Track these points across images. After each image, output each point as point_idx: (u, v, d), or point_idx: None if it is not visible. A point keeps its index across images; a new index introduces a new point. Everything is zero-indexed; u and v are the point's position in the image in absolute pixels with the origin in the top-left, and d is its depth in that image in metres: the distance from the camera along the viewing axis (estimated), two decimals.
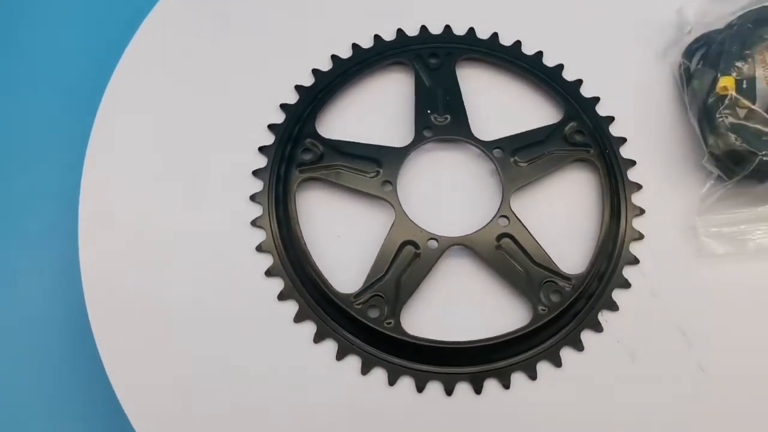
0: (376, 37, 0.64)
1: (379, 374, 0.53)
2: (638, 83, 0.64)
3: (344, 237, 0.57)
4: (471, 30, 0.64)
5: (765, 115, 0.57)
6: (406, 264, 0.55)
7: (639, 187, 0.59)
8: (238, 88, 0.62)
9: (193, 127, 0.61)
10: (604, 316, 0.56)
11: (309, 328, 0.54)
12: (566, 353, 0.54)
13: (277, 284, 0.55)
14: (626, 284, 0.56)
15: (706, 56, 0.60)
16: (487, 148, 0.59)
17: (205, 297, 0.55)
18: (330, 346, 0.54)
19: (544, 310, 0.54)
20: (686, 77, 0.62)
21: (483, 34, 0.64)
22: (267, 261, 0.56)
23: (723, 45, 0.59)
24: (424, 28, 0.64)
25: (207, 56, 0.63)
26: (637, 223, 0.58)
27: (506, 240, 0.56)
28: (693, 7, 0.64)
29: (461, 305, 0.56)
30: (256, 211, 0.58)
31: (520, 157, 0.59)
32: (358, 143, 0.59)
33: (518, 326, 0.54)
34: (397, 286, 0.54)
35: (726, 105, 0.57)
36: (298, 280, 0.55)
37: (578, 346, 0.54)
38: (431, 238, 0.56)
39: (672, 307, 0.56)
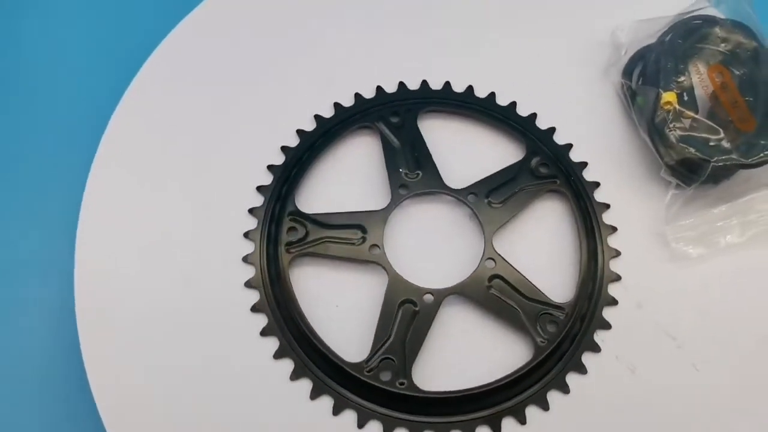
0: (336, 105, 0.66)
1: None
2: (587, 107, 0.67)
3: (343, 306, 0.59)
4: (424, 83, 0.67)
5: (708, 122, 0.61)
6: (407, 322, 0.57)
7: (607, 206, 0.63)
8: (213, 172, 0.64)
9: (177, 214, 0.62)
10: (600, 336, 0.59)
11: (326, 402, 0.56)
12: (572, 378, 0.57)
13: (288, 364, 0.57)
14: (613, 301, 0.60)
15: (645, 74, 0.64)
16: (462, 195, 0.62)
17: (212, 381, 0.56)
18: (350, 416, 0.56)
19: (544, 342, 0.57)
20: (630, 95, 0.66)
21: (436, 85, 0.67)
22: (273, 344, 0.58)
23: (659, 62, 0.63)
24: (380, 89, 0.67)
25: (179, 141, 0.65)
26: (613, 241, 0.62)
27: (497, 281, 0.59)
28: (624, 28, 0.68)
29: (465, 352, 0.58)
30: (253, 296, 0.59)
31: (494, 199, 0.62)
32: (340, 213, 0.61)
33: (523, 362, 0.57)
34: (402, 345, 0.57)
35: (672, 118, 0.61)
36: (307, 358, 0.57)
37: (581, 370, 0.57)
38: (427, 293, 0.58)
39: (658, 315, 0.60)
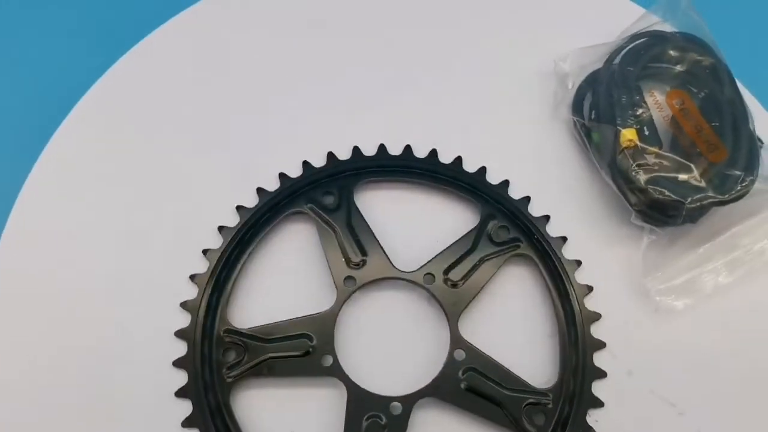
0: (260, 191, 0.58)
1: None
2: (540, 152, 0.60)
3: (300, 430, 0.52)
4: (356, 150, 0.59)
5: (676, 158, 0.55)
6: None
7: (578, 263, 0.56)
8: (130, 294, 0.55)
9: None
10: (593, 416, 0.52)
11: None
12: None
13: None
14: (602, 374, 0.53)
15: (597, 108, 0.58)
16: (417, 278, 0.54)
17: None
18: None
19: None
20: (584, 133, 0.59)
21: (369, 150, 0.59)
22: None
23: (611, 96, 0.57)
24: (306, 165, 0.59)
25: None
26: (590, 303, 0.55)
27: (470, 374, 0.52)
28: (567, 58, 0.61)
29: None
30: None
31: (454, 276, 0.55)
32: (281, 323, 0.53)
33: None
34: None
35: (635, 158, 0.55)
36: None
37: None
38: (393, 402, 0.51)
39: (652, 380, 0.53)
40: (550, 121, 0.61)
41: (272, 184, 0.58)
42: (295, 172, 0.58)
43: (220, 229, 0.56)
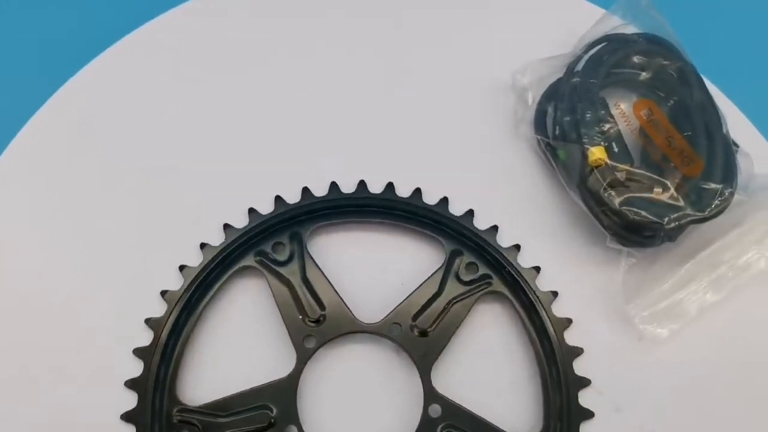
0: (204, 246, 0.53)
1: None
2: (504, 176, 0.56)
3: None
4: (306, 191, 0.54)
5: (649, 175, 0.51)
6: None
7: (555, 294, 0.52)
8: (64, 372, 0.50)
9: None
10: None
11: None
12: None
13: None
14: (589, 414, 0.49)
15: (561, 125, 0.53)
16: (382, 330, 0.50)
17: None
18: None
19: None
20: (549, 152, 0.55)
21: (320, 190, 0.55)
22: None
23: (575, 111, 0.52)
24: (253, 212, 0.53)
25: None
26: (571, 337, 0.51)
27: (448, 431, 0.48)
28: (525, 71, 0.56)
29: None
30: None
31: (422, 323, 0.50)
32: (236, 395, 0.48)
33: None
34: None
35: (606, 178, 0.51)
36: None
37: None
38: None
39: (641, 415, 0.50)
40: (513, 141, 0.57)
41: (217, 238, 0.53)
42: (240, 221, 0.53)
43: (163, 293, 0.51)
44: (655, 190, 0.50)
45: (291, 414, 0.47)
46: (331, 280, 0.51)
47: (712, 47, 0.61)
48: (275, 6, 0.61)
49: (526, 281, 0.52)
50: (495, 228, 0.54)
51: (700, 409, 0.50)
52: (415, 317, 0.50)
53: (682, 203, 0.50)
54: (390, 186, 0.55)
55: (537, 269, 0.53)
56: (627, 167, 0.51)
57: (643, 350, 0.51)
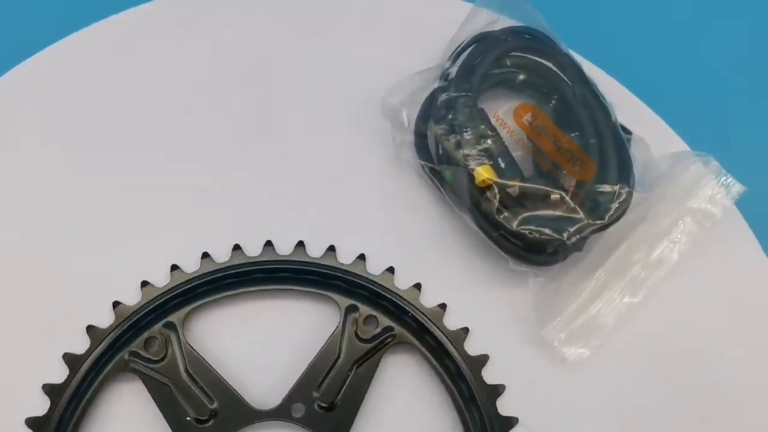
0: (67, 357, 0.46)
1: None
2: (392, 209, 0.51)
3: None
4: (175, 268, 0.48)
5: (542, 188, 0.47)
6: None
7: (466, 331, 0.48)
8: None
9: None
10: None
11: None
12: None
13: None
14: None
15: (443, 148, 0.48)
16: (282, 413, 0.45)
17: None
18: None
19: None
20: (435, 177, 0.50)
21: (453, 320, 0.48)
22: None
23: (453, 130, 0.47)
24: (117, 306, 0.47)
25: None
26: (490, 375, 0.47)
27: None
28: (395, 93, 0.51)
29: None
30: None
31: (327, 397, 0.45)
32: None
33: None
34: None
35: (498, 198, 0.46)
36: None
37: None
38: None
39: None
40: (397, 170, 0.52)
41: (80, 346, 0.46)
42: (105, 319, 0.47)
43: (29, 423, 0.45)
44: (551, 203, 0.46)
45: None
46: (217, 369, 0.45)
47: (589, 27, 0.58)
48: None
49: (432, 323, 0.48)
50: (391, 270, 0.49)
51: (637, 422, 0.47)
52: (318, 391, 0.45)
53: (580, 213, 0.46)
54: (269, 245, 0.49)
55: (443, 307, 0.48)
56: (517, 182, 0.47)
57: (567, 374, 0.48)
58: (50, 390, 0.45)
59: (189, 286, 0.47)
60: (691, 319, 0.50)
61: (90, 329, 0.46)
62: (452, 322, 0.48)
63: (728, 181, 0.50)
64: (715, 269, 0.51)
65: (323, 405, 0.45)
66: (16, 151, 0.52)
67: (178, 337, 0.46)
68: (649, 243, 0.50)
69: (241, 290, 0.48)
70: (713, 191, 0.50)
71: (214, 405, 0.45)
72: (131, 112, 0.53)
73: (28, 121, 0.53)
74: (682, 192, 0.50)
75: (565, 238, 0.45)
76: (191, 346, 0.46)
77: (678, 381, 0.48)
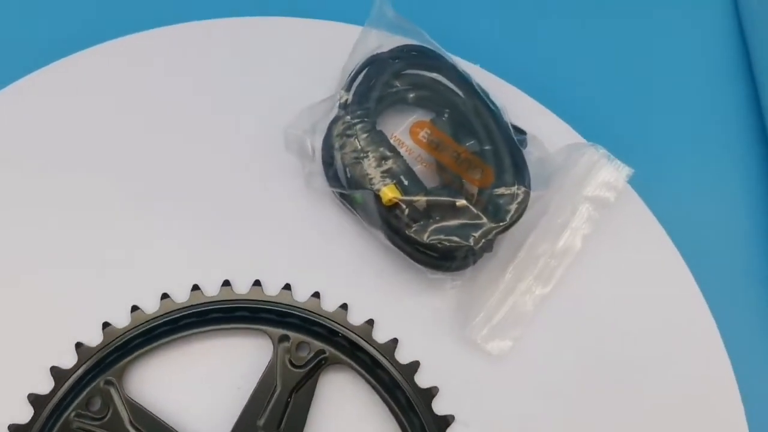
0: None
1: None
2: (310, 239, 0.53)
3: None
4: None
5: (443, 198, 0.49)
6: None
7: (395, 341, 0.50)
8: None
9: None
10: None
11: None
12: None
13: None
14: None
15: (352, 175, 0.51)
16: None
17: None
18: None
19: None
20: (347, 200, 0.52)
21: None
22: None
23: (356, 162, 0.50)
24: (55, 369, 0.48)
25: None
26: (423, 379, 0.49)
27: None
28: (296, 125, 0.53)
29: None
30: None
31: (269, 427, 0.47)
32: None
33: None
34: None
35: (406, 214, 0.49)
36: None
37: None
38: None
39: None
40: (309, 198, 0.53)
41: (23, 413, 0.47)
42: (44, 385, 0.48)
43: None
44: (455, 211, 0.49)
45: None
46: (160, 416, 0.47)
47: (475, 33, 0.61)
48: None
49: (363, 339, 0.50)
50: (317, 295, 0.51)
51: (564, 398, 0.51)
52: (261, 420, 0.47)
53: (483, 218, 0.49)
54: (196, 289, 0.51)
55: (371, 323, 0.51)
56: (422, 197, 0.49)
57: (494, 367, 0.51)
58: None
59: (122, 341, 0.49)
60: (601, 298, 0.53)
61: (31, 397, 0.48)
62: (381, 335, 0.51)
63: (617, 165, 0.54)
64: (618, 248, 0.54)
65: None
66: None
67: (118, 391, 0.47)
68: (553, 234, 0.53)
69: (174, 336, 0.49)
70: (605, 176, 0.54)
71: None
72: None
73: None
74: (578, 181, 0.54)
75: (472, 244, 0.48)
76: (132, 399, 0.47)
77: (595, 358, 0.52)
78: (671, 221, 0.55)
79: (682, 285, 0.54)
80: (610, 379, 0.52)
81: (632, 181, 0.54)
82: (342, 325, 0.50)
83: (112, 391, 0.48)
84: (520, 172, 0.50)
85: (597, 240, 0.53)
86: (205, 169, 0.55)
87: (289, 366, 0.49)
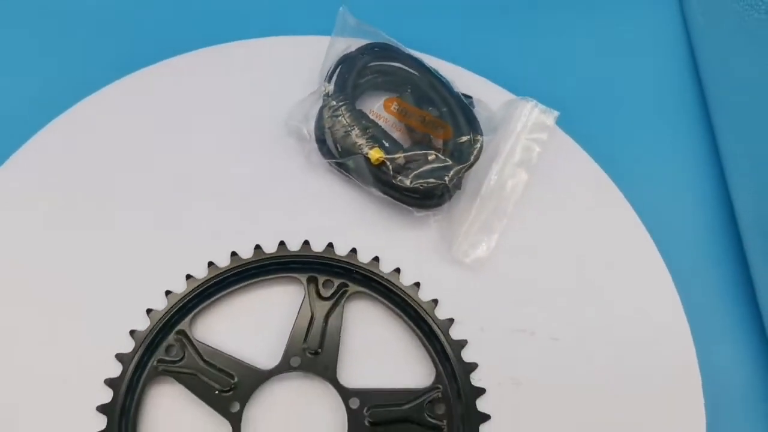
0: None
1: None
2: (320, 203, 0.67)
3: None
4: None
5: (419, 152, 0.63)
6: None
7: (398, 270, 0.64)
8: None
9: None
10: (476, 376, 0.61)
11: None
12: None
13: None
14: (463, 342, 0.62)
15: (341, 145, 0.65)
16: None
17: None
18: None
19: None
20: (342, 168, 0.66)
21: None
22: None
23: (346, 135, 0.64)
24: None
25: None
26: (424, 294, 0.63)
27: (372, 411, 0.58)
28: (292, 116, 0.67)
29: None
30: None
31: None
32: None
33: None
34: None
35: (392, 169, 0.63)
36: None
37: None
38: None
39: (505, 321, 0.63)
40: (311, 172, 0.68)
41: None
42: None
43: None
44: (429, 160, 0.63)
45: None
46: (226, 351, 0.60)
47: (421, 29, 0.76)
48: None
49: (372, 272, 0.63)
50: (331, 245, 0.65)
51: (530, 292, 0.64)
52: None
53: (451, 162, 0.63)
54: (234, 254, 0.64)
55: (376, 259, 0.64)
56: (401, 154, 0.63)
57: (476, 274, 0.65)
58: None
59: (183, 303, 0.61)
60: (547, 216, 0.68)
61: (118, 356, 0.60)
62: (386, 267, 0.64)
63: (546, 110, 0.69)
64: (554, 176, 0.69)
65: (312, 353, 0.60)
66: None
67: (189, 338, 0.60)
68: (506, 170, 0.68)
69: (222, 293, 0.63)
70: (537, 119, 0.69)
71: (234, 378, 0.59)
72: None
73: None
74: (518, 127, 0.69)
75: (447, 182, 0.62)
76: (201, 342, 0.60)
77: (551, 262, 0.66)
78: (597, 150, 0.71)
79: (609, 193, 0.69)
80: (566, 281, 0.66)
81: (561, 123, 0.70)
82: (354, 264, 0.64)
83: (183, 338, 0.60)
84: (472, 124, 0.65)
85: (540, 171, 0.68)
86: (233, 159, 0.69)
87: (319, 299, 0.62)
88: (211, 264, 0.63)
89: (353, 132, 0.64)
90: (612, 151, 0.71)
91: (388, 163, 0.63)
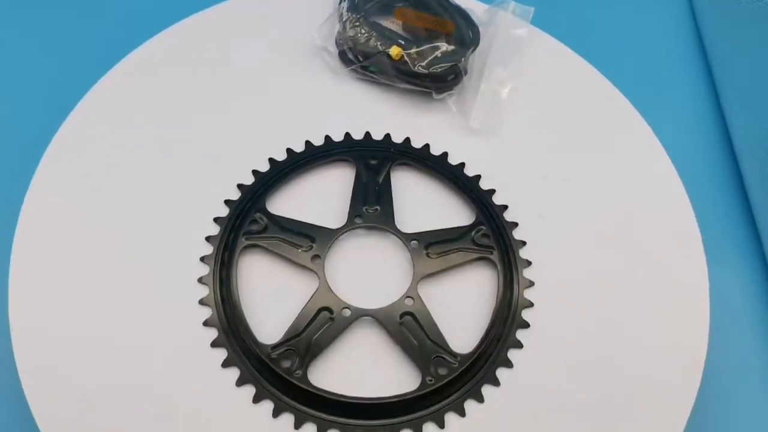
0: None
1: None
2: (352, 102, 0.79)
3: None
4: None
5: (431, 44, 0.76)
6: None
7: (428, 146, 0.76)
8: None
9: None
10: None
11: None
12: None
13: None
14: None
15: (363, 52, 0.77)
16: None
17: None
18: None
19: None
20: (367, 72, 0.78)
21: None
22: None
23: (368, 42, 0.77)
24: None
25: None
26: (453, 159, 0.75)
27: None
28: (318, 36, 0.80)
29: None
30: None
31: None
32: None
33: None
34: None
35: (411, 61, 0.76)
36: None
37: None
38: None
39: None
40: (340, 79, 0.80)
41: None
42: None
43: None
44: (440, 50, 0.76)
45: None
46: (299, 219, 0.71)
47: None
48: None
49: (407, 147, 0.76)
50: (368, 134, 0.77)
51: (543, 158, 0.77)
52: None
53: (457, 47, 0.77)
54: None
55: (408, 140, 0.76)
56: (415, 48, 0.77)
57: (489, 140, 0.77)
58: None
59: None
60: (541, 89, 0.81)
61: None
62: (417, 143, 0.77)
63: (521, 7, 0.84)
64: (537, 62, 0.83)
65: (371, 210, 0.71)
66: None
67: (268, 213, 0.71)
68: (498, 56, 0.81)
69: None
70: (515, 14, 0.83)
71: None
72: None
73: None
74: (503, 26, 0.83)
75: (459, 63, 0.76)
76: (278, 215, 0.71)
77: (552, 125, 0.79)
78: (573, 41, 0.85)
79: (585, 72, 0.83)
80: (569, 140, 0.79)
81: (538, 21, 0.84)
82: (391, 143, 0.76)
83: (263, 214, 0.71)
84: (468, 20, 0.80)
85: (525, 56, 0.83)
86: (275, 77, 0.81)
87: (366, 170, 0.74)
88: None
89: (374, 36, 0.77)
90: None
91: (406, 57, 0.76)
